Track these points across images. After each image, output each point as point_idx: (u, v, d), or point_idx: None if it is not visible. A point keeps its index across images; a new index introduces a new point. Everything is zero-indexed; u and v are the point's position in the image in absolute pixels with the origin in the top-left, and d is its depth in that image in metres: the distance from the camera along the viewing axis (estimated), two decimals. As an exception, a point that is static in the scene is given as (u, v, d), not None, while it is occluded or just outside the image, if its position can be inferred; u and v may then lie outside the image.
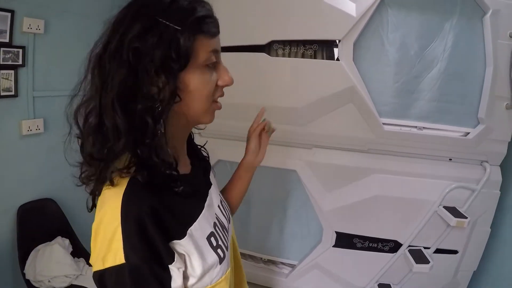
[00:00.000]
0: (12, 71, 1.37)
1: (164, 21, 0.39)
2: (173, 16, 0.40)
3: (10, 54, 1.36)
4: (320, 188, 1.40)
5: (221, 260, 0.49)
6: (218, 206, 0.58)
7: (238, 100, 1.37)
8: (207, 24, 0.43)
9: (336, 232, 1.45)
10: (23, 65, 1.40)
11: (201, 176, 0.60)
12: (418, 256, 1.32)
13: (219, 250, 0.49)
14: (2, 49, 1.32)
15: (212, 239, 0.49)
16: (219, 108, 0.51)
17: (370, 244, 1.43)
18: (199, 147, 0.68)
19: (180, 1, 0.42)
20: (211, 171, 0.66)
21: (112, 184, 0.40)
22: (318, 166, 1.40)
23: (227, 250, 0.52)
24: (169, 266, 0.40)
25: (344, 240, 1.44)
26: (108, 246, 0.38)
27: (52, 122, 1.52)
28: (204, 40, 0.43)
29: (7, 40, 1.33)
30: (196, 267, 0.44)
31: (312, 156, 1.42)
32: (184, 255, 0.43)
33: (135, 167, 0.41)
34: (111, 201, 0.39)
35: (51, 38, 1.48)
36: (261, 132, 0.70)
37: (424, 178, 1.34)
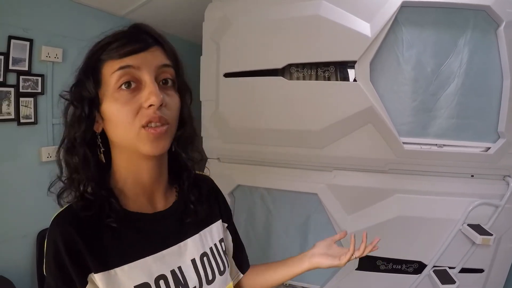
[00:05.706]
0: (32, 99, 1.39)
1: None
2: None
3: (30, 82, 1.39)
4: (342, 210, 1.38)
5: None
6: (193, 261, 0.51)
7: (256, 125, 1.38)
8: (111, 49, 0.43)
9: (359, 255, 1.42)
10: (42, 93, 1.42)
11: (175, 221, 0.52)
12: (444, 277, 1.28)
13: None
14: (21, 77, 1.35)
15: None
16: (155, 134, 0.42)
17: (394, 266, 1.40)
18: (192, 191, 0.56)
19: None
20: (216, 222, 0.59)
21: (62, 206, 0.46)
22: (339, 189, 1.38)
23: None
24: None
25: (367, 263, 1.41)
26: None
27: (71, 148, 1.54)
28: (109, 64, 0.43)
29: (26, 68, 1.36)
30: None
31: (333, 179, 1.40)
32: None
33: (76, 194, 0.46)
34: (52, 221, 0.44)
35: (69, 66, 1.49)
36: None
37: (447, 196, 1.32)
